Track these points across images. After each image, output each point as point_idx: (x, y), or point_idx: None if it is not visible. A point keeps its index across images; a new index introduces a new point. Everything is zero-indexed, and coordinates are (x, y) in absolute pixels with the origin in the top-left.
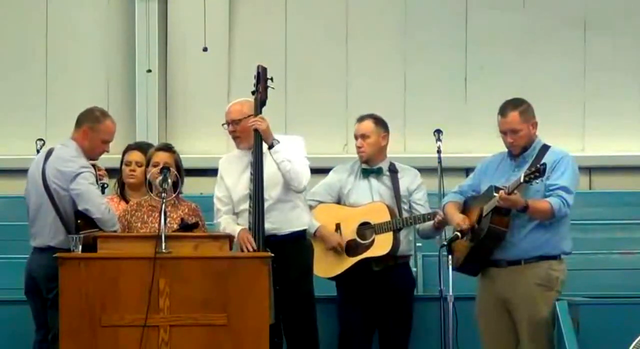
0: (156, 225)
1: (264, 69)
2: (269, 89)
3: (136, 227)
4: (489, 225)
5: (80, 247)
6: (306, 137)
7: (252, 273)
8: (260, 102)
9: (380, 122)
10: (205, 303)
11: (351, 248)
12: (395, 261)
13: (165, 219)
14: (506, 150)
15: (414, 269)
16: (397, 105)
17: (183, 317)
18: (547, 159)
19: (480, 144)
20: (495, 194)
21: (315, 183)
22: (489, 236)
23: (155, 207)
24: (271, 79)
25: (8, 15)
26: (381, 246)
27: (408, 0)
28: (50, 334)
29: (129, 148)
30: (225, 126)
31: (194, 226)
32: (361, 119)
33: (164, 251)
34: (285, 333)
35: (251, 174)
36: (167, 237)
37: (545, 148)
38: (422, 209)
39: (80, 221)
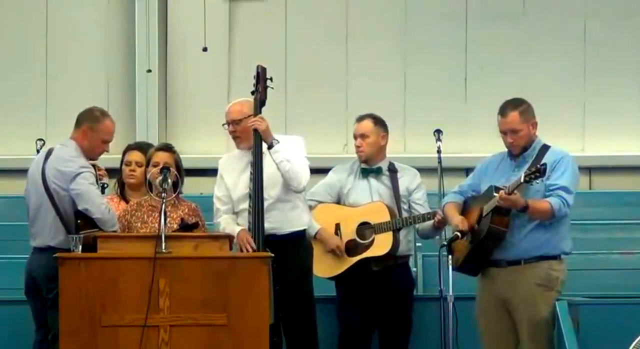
0: (156, 225)
1: (264, 69)
2: (269, 89)
3: (136, 227)
4: (489, 225)
5: (80, 247)
6: (306, 137)
7: (252, 273)
8: (260, 102)
9: (379, 122)
10: (205, 303)
11: (351, 248)
12: (394, 261)
13: (165, 219)
14: (506, 150)
15: (413, 269)
16: (397, 105)
17: (183, 317)
18: (547, 159)
19: (480, 144)
20: (495, 194)
21: (316, 183)
22: (489, 236)
23: (155, 207)
24: (270, 79)
25: (8, 15)
26: (381, 245)
27: (408, 0)
28: (50, 334)
29: (129, 148)
30: (226, 126)
31: (194, 226)
32: (360, 118)
33: (164, 251)
34: (284, 333)
35: (251, 173)
36: (167, 237)
37: (545, 148)
38: (421, 208)
39: (80, 221)
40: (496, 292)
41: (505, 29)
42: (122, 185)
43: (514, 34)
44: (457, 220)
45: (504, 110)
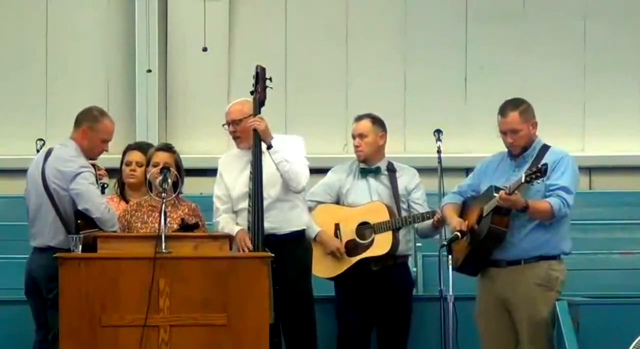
0: (156, 225)
1: (263, 69)
2: (268, 89)
3: (136, 227)
4: (489, 225)
5: (80, 247)
6: (306, 137)
7: (252, 273)
8: (259, 102)
9: (377, 122)
10: (205, 303)
11: (350, 248)
12: (394, 261)
13: (165, 219)
14: (505, 150)
15: (413, 269)
16: (397, 105)
17: (183, 317)
18: (547, 159)
19: (480, 144)
20: (495, 194)
21: (315, 183)
22: (489, 236)
23: (155, 207)
24: (270, 79)
25: (8, 15)
26: (381, 245)
27: (408, 0)
28: (50, 334)
29: (129, 148)
30: (226, 126)
31: (195, 227)
32: (359, 118)
33: (164, 251)
34: (284, 333)
35: (251, 173)
36: (167, 238)
37: (545, 148)
38: (420, 208)
39: (80, 221)
40: (496, 292)
41: (505, 29)
42: (122, 185)
43: (514, 34)
44: (455, 222)
45: (504, 110)
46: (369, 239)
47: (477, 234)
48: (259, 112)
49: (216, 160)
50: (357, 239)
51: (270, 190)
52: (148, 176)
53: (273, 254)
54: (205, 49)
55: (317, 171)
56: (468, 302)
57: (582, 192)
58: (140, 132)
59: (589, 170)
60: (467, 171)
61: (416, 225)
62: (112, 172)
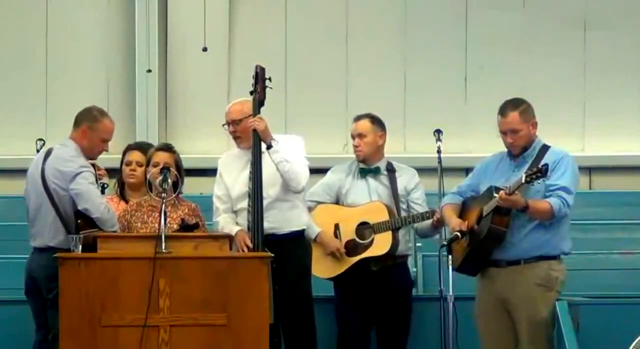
0: (156, 225)
1: (262, 69)
2: (268, 89)
3: (136, 228)
4: (489, 225)
5: (80, 247)
6: (306, 137)
7: (252, 273)
8: (259, 102)
9: (377, 122)
10: (205, 303)
11: (350, 248)
12: (393, 261)
13: (165, 219)
14: (505, 150)
15: (413, 269)
16: (397, 105)
17: (183, 317)
18: (547, 159)
19: (480, 144)
20: (495, 194)
21: (315, 183)
22: (489, 236)
23: (155, 207)
24: (269, 78)
25: (8, 15)
26: (380, 245)
27: (408, 0)
28: (50, 334)
29: (129, 148)
30: (226, 126)
31: (195, 227)
32: (358, 118)
33: (164, 251)
34: (283, 333)
35: (250, 173)
36: (167, 238)
37: (545, 148)
38: (420, 208)
39: (80, 221)
40: (496, 292)
41: (505, 29)
42: (122, 185)
43: (514, 33)
44: (454, 222)
45: (504, 110)
46: (369, 239)
47: (477, 234)
48: (259, 112)
49: (216, 160)
50: (357, 239)
51: (270, 190)
52: (148, 176)
53: (273, 254)
54: (205, 49)
55: (317, 171)
56: (468, 302)
57: (582, 192)
58: (140, 132)
59: (589, 170)
60: (467, 171)
61: (416, 225)
62: (112, 172)
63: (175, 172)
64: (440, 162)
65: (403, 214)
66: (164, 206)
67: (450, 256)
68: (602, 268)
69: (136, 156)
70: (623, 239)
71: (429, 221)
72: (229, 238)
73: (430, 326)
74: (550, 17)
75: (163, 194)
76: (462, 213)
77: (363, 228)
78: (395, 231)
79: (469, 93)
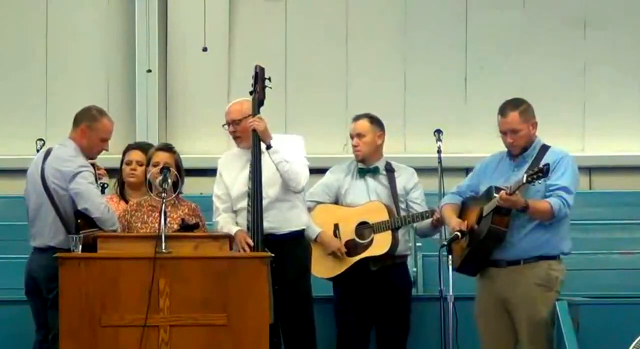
0: (156, 225)
1: (262, 69)
2: (267, 89)
3: (136, 228)
4: (489, 225)
5: (80, 247)
6: (306, 137)
7: (252, 273)
8: (258, 102)
9: (375, 121)
10: (205, 303)
11: (350, 248)
12: (392, 261)
13: (165, 219)
14: (504, 150)
15: (413, 269)
16: (397, 105)
17: (183, 317)
18: (547, 159)
19: (480, 144)
20: (495, 194)
21: (315, 183)
22: (489, 236)
23: (155, 207)
24: (269, 78)
25: (8, 15)
26: (380, 245)
27: (408, 0)
28: (50, 334)
29: (129, 148)
30: (226, 126)
31: (195, 227)
32: (357, 118)
33: (164, 251)
34: (283, 333)
35: (250, 172)
36: (167, 238)
37: (545, 148)
38: (419, 208)
39: (80, 221)
40: (496, 292)
41: (505, 29)
42: (122, 185)
43: (514, 33)
44: (454, 222)
45: (503, 110)
46: (368, 239)
47: (477, 234)
48: (258, 112)
49: (216, 160)
50: (357, 239)
51: (270, 190)
52: (148, 176)
53: (273, 254)
54: (205, 49)
55: (317, 171)
56: (468, 302)
57: (582, 192)
58: (140, 132)
59: (589, 170)
60: (467, 171)
61: (415, 225)
62: (112, 172)
63: (175, 172)
64: (440, 162)
65: (402, 213)
66: (164, 206)
67: (450, 256)
68: (602, 268)
69: (136, 155)
70: (623, 239)
71: (429, 221)
72: (229, 238)
73: (430, 326)
74: (550, 17)
75: (163, 194)
76: (462, 213)
77: (362, 228)
78: (394, 230)
79: (469, 93)
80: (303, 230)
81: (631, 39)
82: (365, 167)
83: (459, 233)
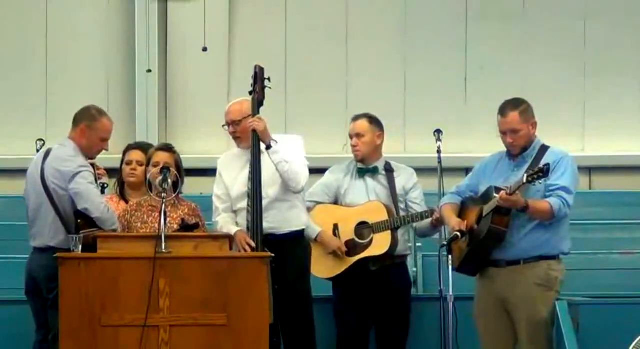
0: (156, 225)
1: (261, 69)
2: (267, 89)
3: (136, 228)
4: (489, 225)
5: (80, 247)
6: (306, 137)
7: (252, 273)
8: (258, 102)
9: (375, 121)
10: (205, 303)
11: (349, 248)
12: (392, 261)
13: (165, 219)
14: (504, 150)
15: (413, 269)
16: (397, 105)
17: (183, 317)
18: (546, 159)
19: (480, 144)
20: (495, 194)
21: (315, 183)
22: (489, 236)
23: (155, 207)
24: (268, 79)
25: (8, 15)
26: (379, 245)
27: (408, 0)
28: (50, 334)
29: (129, 147)
30: (226, 127)
31: (195, 227)
32: (356, 118)
33: (164, 251)
34: (283, 333)
35: (250, 173)
36: (167, 238)
37: (544, 148)
38: (418, 208)
39: (80, 221)
40: (495, 292)
41: (505, 29)
42: (122, 185)
43: (514, 34)
44: (454, 222)
45: (503, 110)
46: (368, 239)
47: (476, 234)
48: (258, 112)
49: (216, 160)
50: (356, 239)
51: (269, 190)
52: (148, 176)
53: (273, 254)
54: (205, 49)
55: (317, 171)
56: (468, 302)
57: (582, 192)
58: (140, 132)
59: (589, 170)
60: (467, 171)
61: (415, 224)
62: (112, 172)
63: (175, 172)
64: (440, 162)
65: (401, 214)
66: (164, 206)
67: (450, 256)
68: (602, 268)
69: (137, 155)
70: (623, 239)
71: (428, 221)
72: (229, 238)
73: (430, 326)
74: (550, 18)
75: (163, 194)
76: (462, 213)
77: (362, 228)
78: (394, 230)
79: (469, 93)
80: (303, 230)
81: (631, 39)
82: (365, 167)
83: (458, 233)
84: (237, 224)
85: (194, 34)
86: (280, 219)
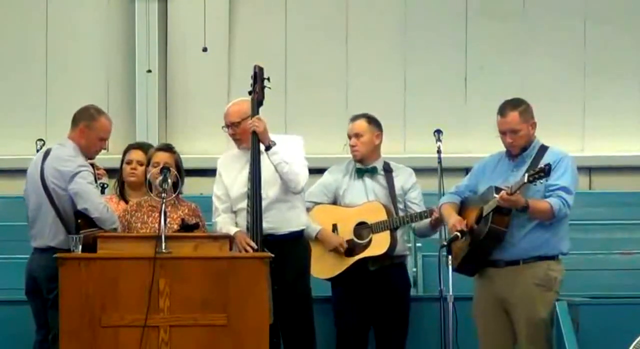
0: (156, 225)
1: (261, 69)
2: (266, 89)
3: (136, 228)
4: (489, 225)
5: (80, 247)
6: (306, 137)
7: (251, 273)
8: (257, 102)
9: (373, 121)
10: (205, 303)
11: (349, 248)
12: (391, 261)
13: (165, 219)
14: (503, 150)
15: (413, 270)
16: (397, 105)
17: (183, 317)
18: (546, 159)
19: (480, 144)
20: (495, 195)
21: (315, 183)
22: (489, 236)
23: (155, 207)
24: (268, 79)
25: (8, 15)
26: (379, 245)
27: (408, 0)
28: (50, 334)
29: (130, 147)
30: (225, 128)
31: (195, 227)
32: (355, 118)
33: (164, 251)
34: (282, 333)
35: (250, 173)
36: (167, 238)
37: (543, 148)
38: (417, 208)
39: (80, 221)
40: (494, 292)
41: (505, 29)
42: (121, 185)
43: (514, 34)
44: (453, 220)
45: (503, 110)
46: (367, 239)
47: (476, 234)
48: (258, 112)
49: (216, 160)
50: (355, 239)
51: (269, 190)
52: (148, 176)
53: (273, 255)
54: (205, 49)
55: (317, 171)
56: (468, 302)
57: (582, 192)
58: (140, 132)
59: (589, 170)
60: (467, 171)
61: (414, 224)
62: (112, 172)
63: (175, 172)
64: (440, 162)
65: (400, 214)
66: (164, 206)
67: (450, 256)
68: (602, 268)
69: (137, 155)
70: (623, 239)
71: (427, 221)
72: (229, 238)
73: (430, 326)
74: (550, 18)
75: (163, 194)
76: (461, 213)
77: (361, 228)
78: (393, 230)
79: (469, 93)
80: (302, 230)
81: (631, 39)
82: (363, 168)
83: (458, 233)
84: (236, 224)
85: (194, 34)
86: (280, 220)
